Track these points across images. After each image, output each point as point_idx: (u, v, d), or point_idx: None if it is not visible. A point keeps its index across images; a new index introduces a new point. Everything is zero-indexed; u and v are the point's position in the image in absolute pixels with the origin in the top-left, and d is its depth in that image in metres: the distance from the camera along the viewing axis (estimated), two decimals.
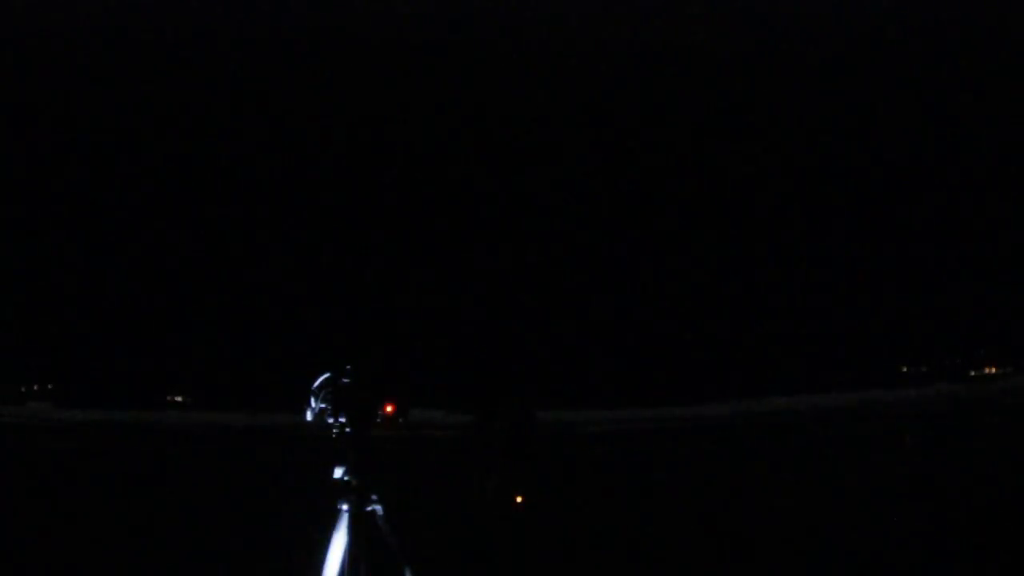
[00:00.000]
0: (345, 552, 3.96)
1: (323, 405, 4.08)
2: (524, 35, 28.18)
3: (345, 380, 4.10)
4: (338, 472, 4.05)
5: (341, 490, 3.99)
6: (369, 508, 4.03)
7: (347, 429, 4.06)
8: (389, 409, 4.12)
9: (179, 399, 28.78)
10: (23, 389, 28.31)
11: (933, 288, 27.49)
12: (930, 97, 27.71)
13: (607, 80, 29.36)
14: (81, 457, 19.13)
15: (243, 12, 27.29)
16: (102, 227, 28.87)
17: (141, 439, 23.77)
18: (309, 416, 4.10)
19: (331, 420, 4.06)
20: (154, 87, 28.17)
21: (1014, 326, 26.54)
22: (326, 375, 4.11)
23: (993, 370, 27.35)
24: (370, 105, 28.95)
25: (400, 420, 4.15)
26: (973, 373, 27.60)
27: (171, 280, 28.48)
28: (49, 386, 28.74)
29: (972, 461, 14.93)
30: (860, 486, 12.87)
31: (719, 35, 27.94)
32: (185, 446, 22.30)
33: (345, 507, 4.01)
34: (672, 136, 29.15)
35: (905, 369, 29.37)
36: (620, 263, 29.08)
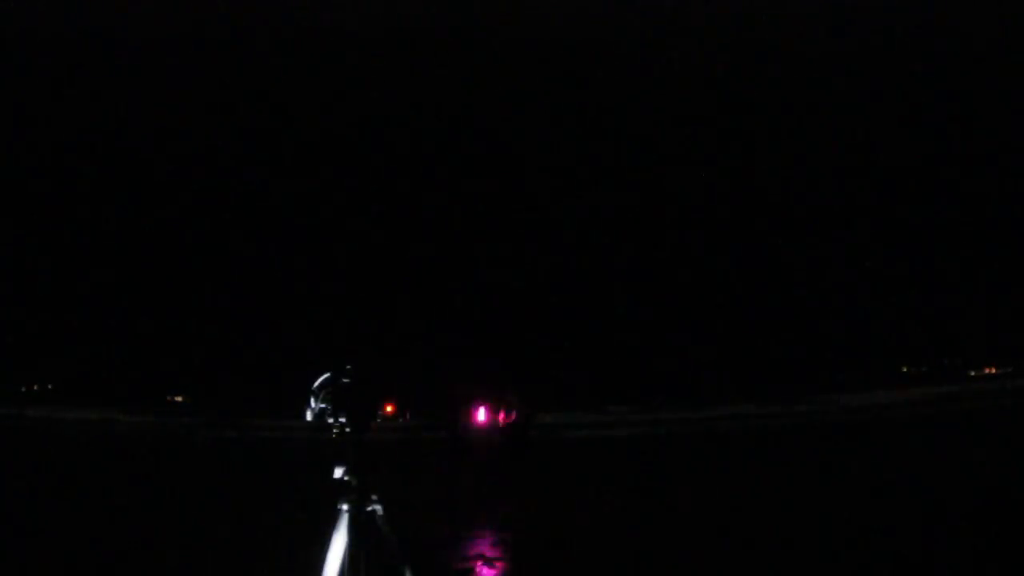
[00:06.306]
0: (345, 552, 3.97)
1: (323, 405, 4.09)
2: (524, 36, 28.18)
3: (345, 380, 4.10)
4: (338, 472, 4.06)
5: (341, 490, 4.00)
6: (369, 508, 4.04)
7: (347, 429, 4.07)
8: (389, 409, 4.13)
9: (179, 399, 28.76)
10: (23, 389, 28.29)
11: (933, 288, 27.50)
12: (928, 102, 27.71)
13: (618, 84, 29.30)
14: (80, 457, 19.13)
15: (242, 11, 27.27)
16: (101, 228, 28.82)
17: (141, 439, 23.76)
18: (309, 416, 4.10)
19: (331, 420, 4.07)
20: (150, 92, 28.14)
21: (1014, 326, 26.54)
22: (326, 375, 4.11)
23: (993, 370, 27.34)
24: (370, 105, 28.91)
25: (400, 420, 4.16)
26: (973, 373, 27.60)
27: (171, 281, 28.46)
28: (49, 386, 28.72)
29: (972, 461, 14.94)
30: (860, 486, 12.88)
31: (728, 38, 27.94)
32: (185, 446, 22.30)
33: (345, 507, 4.02)
34: (674, 141, 29.11)
35: (905, 369, 29.36)
36: (620, 265, 29.04)
